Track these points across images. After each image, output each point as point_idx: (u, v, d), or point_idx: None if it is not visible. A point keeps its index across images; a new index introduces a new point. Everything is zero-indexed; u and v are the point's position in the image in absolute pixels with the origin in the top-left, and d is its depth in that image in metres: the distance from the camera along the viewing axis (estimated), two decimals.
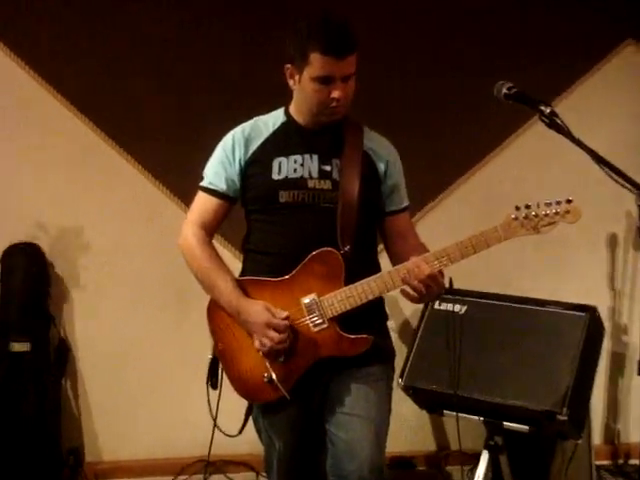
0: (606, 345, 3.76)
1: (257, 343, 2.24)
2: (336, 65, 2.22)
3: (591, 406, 3.29)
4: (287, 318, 2.23)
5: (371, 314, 2.35)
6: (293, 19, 2.32)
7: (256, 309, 2.24)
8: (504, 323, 3.24)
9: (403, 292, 2.24)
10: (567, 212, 2.16)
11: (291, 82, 2.34)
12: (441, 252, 2.22)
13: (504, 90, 2.18)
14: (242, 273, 2.41)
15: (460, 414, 2.99)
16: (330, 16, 2.26)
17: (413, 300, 2.25)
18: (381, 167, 2.40)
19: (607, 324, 3.63)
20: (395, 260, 2.41)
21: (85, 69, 3.63)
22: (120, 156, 3.71)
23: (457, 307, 3.30)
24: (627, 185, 2.04)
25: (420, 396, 3.28)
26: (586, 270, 3.86)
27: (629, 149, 3.81)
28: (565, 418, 2.91)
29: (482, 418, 3.07)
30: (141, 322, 3.79)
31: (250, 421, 2.44)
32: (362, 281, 2.24)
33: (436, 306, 3.38)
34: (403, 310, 3.81)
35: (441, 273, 2.23)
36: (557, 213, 2.16)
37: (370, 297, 2.24)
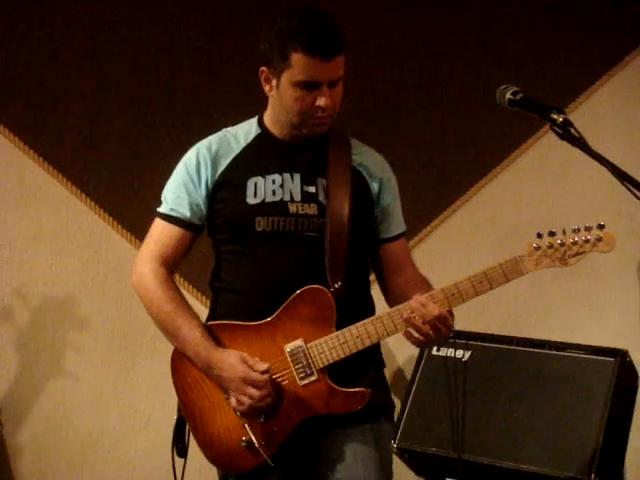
0: None
1: (233, 402, 2.23)
2: (322, 67, 2.20)
3: (625, 471, 3.31)
4: (268, 371, 2.21)
5: (366, 363, 2.36)
6: (270, 15, 2.30)
7: (230, 362, 2.22)
8: (516, 371, 3.26)
9: (406, 334, 2.23)
10: (599, 240, 2.17)
11: (267, 88, 2.32)
12: (451, 288, 2.21)
13: (508, 95, 2.20)
14: (211, 316, 2.40)
15: None
16: (314, 11, 2.27)
17: (417, 343, 2.25)
18: (374, 187, 2.41)
19: None
20: (390, 295, 2.42)
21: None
22: (50, 174, 3.74)
23: (459, 352, 3.33)
24: None
25: (417, 461, 3.29)
26: (615, 306, 3.87)
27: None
28: None
29: None
30: (81, 374, 3.79)
31: None
32: (357, 324, 2.23)
33: (434, 352, 3.39)
34: (395, 357, 3.82)
35: (450, 313, 2.23)
36: (587, 241, 2.16)
37: (367, 343, 2.24)
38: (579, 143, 2.10)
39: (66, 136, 3.77)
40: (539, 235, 2.19)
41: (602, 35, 3.91)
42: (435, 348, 3.40)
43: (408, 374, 3.64)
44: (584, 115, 3.84)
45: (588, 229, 2.16)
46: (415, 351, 3.54)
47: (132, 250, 3.77)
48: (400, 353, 3.79)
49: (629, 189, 2.05)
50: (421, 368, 3.42)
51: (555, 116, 2.10)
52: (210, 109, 3.73)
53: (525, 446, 3.09)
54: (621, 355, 3.18)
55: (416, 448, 3.23)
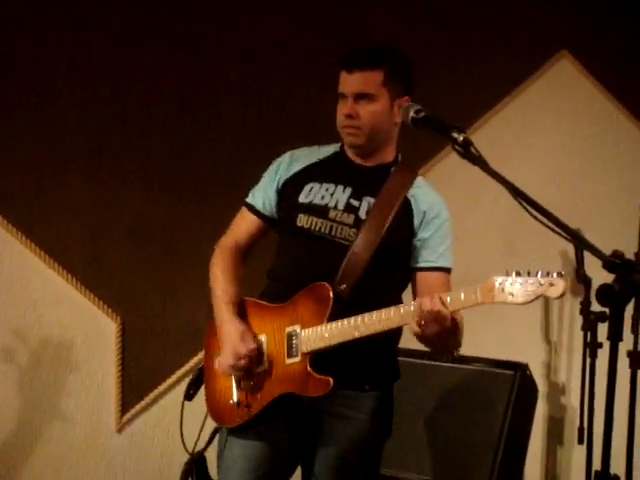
0: (541, 408, 3.86)
1: (215, 363, 2.58)
2: (346, 80, 2.56)
3: None
4: (254, 350, 2.51)
5: (360, 365, 2.52)
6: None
7: (230, 329, 2.55)
8: (418, 384, 3.33)
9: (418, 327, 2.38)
10: (550, 285, 2.23)
11: None
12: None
13: (411, 114, 2.28)
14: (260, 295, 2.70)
15: None
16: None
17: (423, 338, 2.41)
18: (418, 217, 2.60)
19: (541, 383, 3.79)
20: None
21: None
22: None
23: None
24: (552, 227, 2.11)
25: None
26: (515, 320, 3.94)
27: (564, 171, 4.02)
28: None
29: None
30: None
31: None
32: (344, 320, 2.43)
33: None
34: None
35: (454, 324, 2.38)
36: (541, 284, 2.24)
37: (349, 338, 2.41)
38: (479, 162, 2.18)
39: None
40: (506, 272, 2.28)
41: (509, 52, 4.02)
42: None
43: None
44: (491, 130, 3.94)
45: (547, 274, 2.24)
46: None
47: (36, 261, 3.74)
48: None
49: (524, 207, 2.14)
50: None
51: (456, 135, 2.19)
52: (121, 117, 3.76)
53: (427, 458, 3.16)
54: (521, 369, 3.28)
55: None
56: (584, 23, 3.99)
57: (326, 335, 2.44)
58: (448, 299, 2.33)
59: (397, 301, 2.58)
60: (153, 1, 3.93)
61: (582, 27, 4.00)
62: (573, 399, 3.95)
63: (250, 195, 2.74)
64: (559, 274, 2.24)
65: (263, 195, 2.70)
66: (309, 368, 2.46)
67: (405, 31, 3.98)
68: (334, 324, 2.43)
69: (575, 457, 3.96)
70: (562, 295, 2.23)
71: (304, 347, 2.47)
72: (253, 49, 3.95)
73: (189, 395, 2.71)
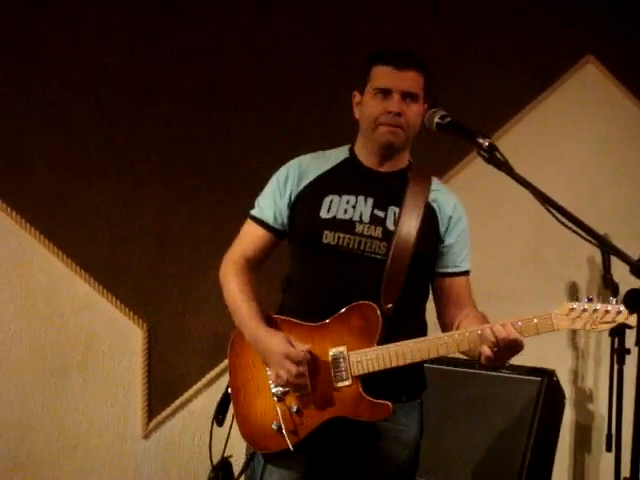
0: (568, 415, 3.85)
1: (273, 375, 2.45)
2: (394, 76, 2.49)
3: None
4: (308, 351, 2.41)
5: (403, 383, 2.51)
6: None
7: (277, 340, 2.44)
8: (446, 391, 3.33)
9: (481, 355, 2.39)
10: (627, 318, 2.30)
11: (356, 111, 2.59)
12: (463, 334, 2.39)
13: (436, 119, 2.28)
14: (277, 313, 2.60)
15: None
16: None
17: (489, 361, 2.39)
18: (443, 223, 2.58)
19: (568, 390, 3.77)
20: (447, 326, 2.57)
21: None
22: None
23: None
24: (580, 232, 2.11)
25: None
26: None
27: (591, 177, 4.01)
28: None
29: None
30: (9, 394, 3.77)
31: None
32: (398, 343, 2.40)
33: None
34: None
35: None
36: (620, 312, 2.31)
37: (402, 362, 2.40)
38: (504, 167, 2.18)
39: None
40: (577, 299, 2.42)
41: (534, 57, 4.02)
42: None
43: None
44: (517, 136, 3.94)
45: (619, 312, 2.31)
46: None
47: (62, 268, 3.76)
48: None
49: (552, 214, 2.13)
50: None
51: (481, 140, 2.19)
52: (138, 125, 3.80)
53: (455, 464, 3.16)
54: (548, 375, 3.27)
55: None
56: (609, 27, 3.98)
57: (380, 358, 2.39)
58: (520, 324, 2.35)
59: (424, 311, 2.61)
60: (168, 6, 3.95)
61: (607, 31, 3.99)
62: (601, 406, 3.92)
63: (257, 208, 2.65)
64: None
65: (274, 208, 2.60)
66: (363, 392, 2.41)
67: (430, 37, 4.00)
68: (391, 347, 2.39)
69: (603, 464, 3.93)
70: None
71: (355, 370, 2.41)
72: (270, 51, 3.97)
73: (219, 420, 2.62)
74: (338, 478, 2.52)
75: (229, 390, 2.59)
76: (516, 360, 3.36)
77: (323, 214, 2.52)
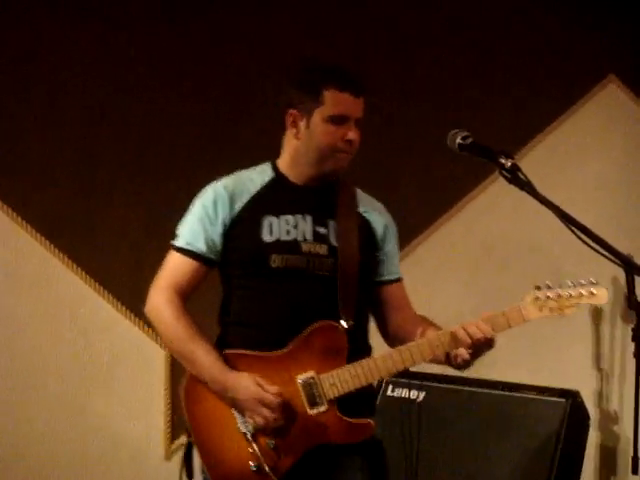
0: (593, 437, 3.82)
1: (251, 422, 2.32)
2: (352, 103, 2.42)
3: None
4: (279, 394, 2.31)
5: (367, 397, 2.47)
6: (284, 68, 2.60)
7: (245, 384, 2.32)
8: (469, 412, 3.33)
9: (449, 358, 2.37)
10: (592, 294, 2.36)
11: (293, 131, 2.47)
12: (436, 340, 2.35)
13: (458, 140, 2.28)
14: (221, 348, 2.45)
15: None
16: (336, 61, 2.53)
17: (462, 363, 2.37)
18: (378, 232, 2.56)
19: (593, 412, 3.74)
20: (391, 333, 2.55)
21: None
22: (1, 211, 3.74)
23: (414, 393, 3.38)
24: (604, 252, 2.11)
25: None
26: (567, 347, 3.96)
27: (613, 196, 3.99)
28: None
29: None
30: (33, 413, 3.77)
31: None
32: (368, 359, 2.37)
33: (389, 392, 3.44)
34: None
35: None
36: (582, 295, 2.36)
37: (377, 377, 2.37)
38: (527, 187, 2.18)
39: (19, 172, 3.77)
40: (538, 287, 2.36)
41: (556, 77, 4.04)
42: (390, 389, 3.46)
43: None
44: (539, 155, 3.94)
45: (582, 285, 2.37)
46: None
47: (84, 287, 3.78)
48: None
49: (575, 233, 2.14)
50: (376, 409, 3.45)
51: (503, 161, 2.19)
52: (162, 148, 3.80)
53: None
54: (572, 396, 3.24)
55: None
56: (632, 47, 3.98)
57: (354, 377, 2.33)
58: (491, 320, 2.32)
59: (369, 320, 2.57)
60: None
61: (630, 51, 3.99)
62: (626, 428, 3.91)
63: (182, 238, 2.47)
64: (591, 282, 2.34)
65: (204, 237, 2.44)
66: (340, 415, 2.33)
67: (451, 57, 4.01)
68: (364, 364, 2.34)
69: None
70: (605, 301, 2.34)
71: (330, 394, 2.33)
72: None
73: (190, 473, 2.47)
74: None
75: (190, 439, 2.44)
76: (540, 381, 3.40)
77: (266, 237, 2.42)
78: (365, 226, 2.52)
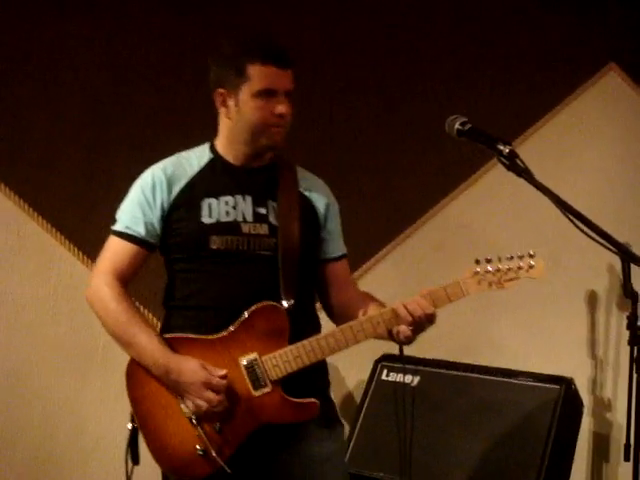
0: (586, 424, 3.84)
1: (191, 406, 2.31)
2: (279, 75, 2.38)
3: None
4: (225, 376, 2.30)
5: (315, 377, 2.46)
6: (214, 46, 2.46)
7: (190, 367, 2.30)
8: (464, 397, 3.34)
9: (393, 334, 2.39)
10: (530, 267, 2.35)
11: (223, 110, 2.45)
12: (377, 317, 2.36)
13: (457, 126, 2.27)
14: (165, 332, 2.45)
15: None
16: (261, 31, 2.42)
17: (405, 339, 2.39)
18: (320, 210, 2.55)
19: (587, 399, 3.75)
20: (336, 311, 2.57)
21: None
22: (1, 192, 3.74)
23: (408, 378, 3.39)
24: (600, 241, 2.11)
25: None
26: (561, 335, 3.96)
27: (611, 184, 3.99)
28: None
29: None
30: (31, 393, 3.79)
31: None
32: (310, 339, 2.35)
33: (383, 377, 3.46)
34: (345, 380, 3.87)
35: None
36: (520, 268, 2.35)
37: (320, 357, 2.36)
38: (524, 174, 2.18)
39: (20, 155, 3.77)
40: (477, 261, 2.36)
41: (556, 65, 4.03)
42: (385, 373, 3.47)
43: (357, 398, 3.68)
44: (538, 143, 3.94)
45: (521, 257, 2.35)
46: (365, 375, 3.60)
47: (83, 268, 3.77)
48: (350, 377, 3.84)
49: (572, 221, 2.13)
50: (370, 392, 3.47)
51: (501, 147, 2.19)
52: (164, 132, 3.77)
53: (470, 472, 3.14)
54: (566, 383, 3.26)
55: (364, 472, 3.27)
56: (632, 36, 3.97)
57: (297, 358, 2.32)
58: (431, 296, 2.34)
59: (314, 300, 2.58)
60: None
61: (630, 40, 3.98)
62: (619, 415, 3.92)
63: (121, 223, 2.45)
64: (529, 255, 2.34)
65: (144, 220, 2.42)
66: (285, 395, 2.34)
67: (451, 46, 4.01)
68: (306, 344, 2.34)
69: (621, 474, 3.92)
70: (542, 274, 2.34)
71: (273, 375, 2.33)
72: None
73: (134, 458, 2.44)
74: None
75: (134, 424, 2.43)
76: (534, 368, 3.41)
77: (205, 219, 2.41)
78: (306, 205, 2.51)
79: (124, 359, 3.82)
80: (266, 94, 2.37)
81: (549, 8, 4.01)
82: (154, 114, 3.83)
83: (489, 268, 2.34)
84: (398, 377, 3.40)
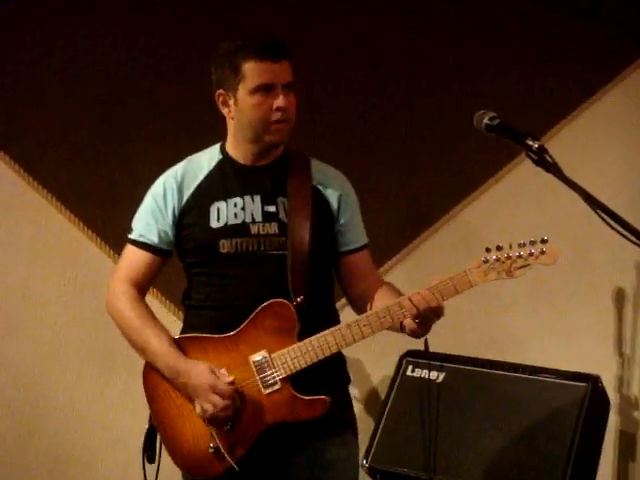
0: (613, 422, 3.78)
1: (198, 409, 2.33)
2: (273, 69, 2.37)
3: None
4: (233, 383, 2.32)
5: (328, 373, 2.45)
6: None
7: (198, 370, 2.34)
8: (489, 394, 3.31)
9: (404, 326, 2.37)
10: (542, 253, 2.32)
11: (225, 110, 2.47)
12: (384, 311, 2.34)
13: (485, 121, 2.25)
14: (182, 331, 2.54)
15: None
16: (254, 31, 2.50)
17: (415, 332, 2.37)
18: (333, 203, 2.54)
19: (613, 397, 3.71)
20: (357, 301, 2.56)
21: None
22: (29, 185, 3.75)
23: (434, 374, 3.37)
24: (629, 236, 2.08)
25: None
26: (588, 332, 3.93)
27: (637, 181, 3.96)
28: None
29: None
30: (54, 388, 3.80)
31: None
32: (318, 335, 2.35)
33: (409, 372, 3.44)
34: (370, 376, 3.86)
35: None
36: (531, 254, 2.31)
37: (327, 353, 2.35)
38: (553, 169, 2.15)
39: (47, 148, 3.78)
40: (487, 249, 2.33)
41: (583, 62, 3.98)
42: (410, 369, 3.45)
43: (382, 393, 3.67)
44: (562, 142, 3.90)
45: (532, 243, 2.31)
46: (390, 371, 3.58)
47: (109, 262, 3.78)
48: (375, 373, 3.82)
49: (601, 217, 2.10)
50: (395, 388, 3.46)
51: (530, 142, 2.16)
52: (186, 126, 3.78)
53: (496, 469, 3.12)
54: (593, 381, 3.23)
55: (388, 468, 3.27)
56: None
57: (305, 354, 2.33)
58: (437, 287, 2.31)
59: (333, 296, 2.58)
60: None
61: None
62: None
63: (136, 231, 2.50)
64: (542, 240, 2.30)
65: (157, 228, 2.47)
66: (295, 392, 2.35)
67: (475, 41, 3.97)
68: (314, 341, 2.34)
69: None
70: (555, 260, 2.29)
71: (282, 372, 2.34)
72: None
73: (150, 457, 2.50)
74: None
75: (152, 423, 2.48)
76: (560, 365, 3.38)
77: (214, 224, 2.44)
78: (319, 199, 2.51)
79: None
80: (263, 89, 2.37)
81: (579, 2, 3.97)
82: (176, 108, 3.83)
83: (498, 256, 2.31)
84: (423, 373, 3.39)
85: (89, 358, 3.82)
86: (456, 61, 3.98)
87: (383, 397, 3.54)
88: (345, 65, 3.90)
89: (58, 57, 3.80)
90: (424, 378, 3.37)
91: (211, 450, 2.34)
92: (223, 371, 2.35)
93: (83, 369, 3.83)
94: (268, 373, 2.35)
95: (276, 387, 2.35)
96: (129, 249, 2.52)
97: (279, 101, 2.36)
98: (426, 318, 2.32)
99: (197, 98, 3.79)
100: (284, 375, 2.34)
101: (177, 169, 2.52)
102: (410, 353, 3.50)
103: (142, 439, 3.57)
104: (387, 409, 3.42)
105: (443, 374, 3.37)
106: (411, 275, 3.86)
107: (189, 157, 2.55)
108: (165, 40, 3.86)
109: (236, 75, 2.38)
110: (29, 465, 3.80)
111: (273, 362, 2.34)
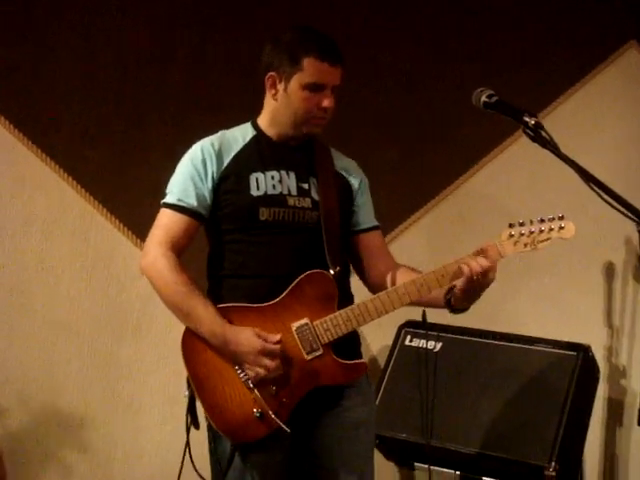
0: (602, 390, 3.82)
1: (251, 373, 2.33)
2: (330, 72, 2.43)
3: (584, 460, 3.38)
4: (280, 341, 2.34)
5: (356, 340, 2.54)
6: (271, 33, 2.53)
7: (246, 336, 2.33)
8: (484, 363, 3.33)
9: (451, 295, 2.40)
10: (561, 228, 2.37)
11: (272, 92, 2.50)
12: (441, 270, 2.38)
13: (484, 98, 2.26)
14: (214, 302, 2.44)
15: (433, 467, 3.08)
16: (316, 29, 2.50)
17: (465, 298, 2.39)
18: (354, 186, 2.62)
19: (603, 366, 3.74)
20: (374, 280, 2.58)
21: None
22: (42, 161, 3.75)
23: (431, 344, 3.39)
24: (623, 210, 2.09)
25: (388, 446, 3.34)
26: (579, 304, 3.95)
27: (630, 159, 3.95)
28: (553, 474, 2.99)
29: (458, 472, 3.14)
30: (67, 357, 3.82)
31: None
32: (358, 302, 2.41)
33: (407, 342, 3.46)
34: (370, 346, 3.87)
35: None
36: (552, 229, 2.37)
37: (368, 320, 2.40)
38: (549, 145, 2.16)
39: (60, 125, 3.78)
40: (511, 225, 2.38)
41: (577, 42, 3.98)
42: (408, 338, 3.47)
43: (381, 362, 3.69)
44: (558, 119, 3.89)
45: (551, 220, 2.38)
46: (389, 341, 3.60)
47: (120, 237, 3.79)
48: (375, 342, 3.84)
49: (595, 191, 2.11)
50: (394, 357, 3.48)
51: (527, 119, 2.18)
52: (199, 106, 3.78)
53: (490, 434, 3.14)
54: (584, 350, 3.25)
55: (387, 434, 3.28)
56: None
57: (347, 321, 2.36)
58: (486, 252, 2.35)
59: (349, 269, 2.61)
60: None
61: None
62: (634, 382, 3.92)
63: (173, 195, 2.47)
64: (559, 217, 2.37)
65: (196, 192, 2.45)
66: (336, 357, 2.38)
67: (473, 22, 3.97)
68: (354, 308, 2.37)
69: (634, 438, 3.93)
70: (573, 234, 2.36)
71: (325, 339, 2.37)
72: None
73: (196, 423, 2.45)
74: (309, 446, 2.48)
75: (190, 390, 2.42)
76: (553, 335, 3.40)
77: (254, 192, 2.44)
78: (342, 182, 2.58)
79: (157, 328, 3.89)
80: (315, 87, 2.43)
81: None
82: (190, 90, 3.83)
83: (523, 231, 2.36)
84: (421, 343, 3.40)
85: (100, 328, 3.83)
86: (458, 43, 3.99)
87: (382, 365, 3.55)
88: (345, 46, 3.88)
89: (74, 39, 3.80)
90: (422, 347, 3.39)
91: (256, 414, 2.33)
92: (270, 334, 2.35)
93: (94, 338, 3.84)
94: (310, 340, 2.37)
95: (318, 353, 2.37)
96: (165, 213, 2.47)
97: (327, 102, 2.44)
98: (477, 286, 2.34)
99: (209, 82, 3.83)
100: (326, 341, 2.37)
101: (212, 139, 2.52)
102: (408, 323, 3.51)
103: (153, 405, 3.61)
104: (386, 377, 3.44)
105: (440, 344, 3.39)
106: (417, 243, 3.91)
107: (221, 131, 2.56)
108: (179, 23, 3.85)
109: (294, 65, 2.42)
110: (44, 429, 3.82)
111: (315, 329, 2.37)
